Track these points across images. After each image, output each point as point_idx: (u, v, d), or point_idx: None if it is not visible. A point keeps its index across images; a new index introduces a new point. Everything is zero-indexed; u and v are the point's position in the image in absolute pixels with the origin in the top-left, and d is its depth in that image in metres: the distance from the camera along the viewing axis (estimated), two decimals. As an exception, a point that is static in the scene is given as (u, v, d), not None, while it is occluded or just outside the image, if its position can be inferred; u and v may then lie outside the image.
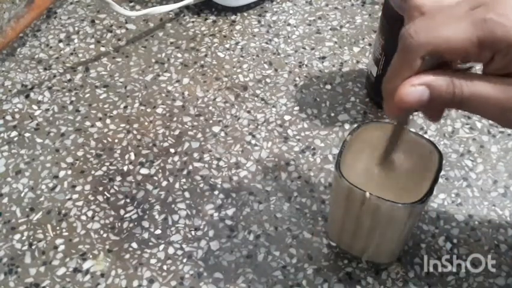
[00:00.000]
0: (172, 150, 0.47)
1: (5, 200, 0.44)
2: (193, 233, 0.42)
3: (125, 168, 0.46)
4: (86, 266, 0.40)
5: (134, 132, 0.48)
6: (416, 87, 0.28)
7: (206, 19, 0.57)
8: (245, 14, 0.58)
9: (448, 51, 0.27)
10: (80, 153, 0.47)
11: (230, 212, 0.43)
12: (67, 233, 0.42)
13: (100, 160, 0.46)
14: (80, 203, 0.43)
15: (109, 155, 0.46)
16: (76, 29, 0.57)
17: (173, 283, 0.39)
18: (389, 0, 0.41)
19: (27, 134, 0.48)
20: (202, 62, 0.53)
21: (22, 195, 0.44)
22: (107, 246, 0.41)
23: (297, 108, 0.49)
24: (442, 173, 0.34)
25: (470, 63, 0.29)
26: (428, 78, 0.28)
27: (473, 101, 0.27)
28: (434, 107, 0.29)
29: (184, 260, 0.40)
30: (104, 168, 0.46)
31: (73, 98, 0.51)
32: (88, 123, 0.49)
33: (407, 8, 0.30)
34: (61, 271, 0.40)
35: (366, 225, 0.35)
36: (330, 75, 0.52)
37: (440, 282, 0.39)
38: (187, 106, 0.50)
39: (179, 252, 0.41)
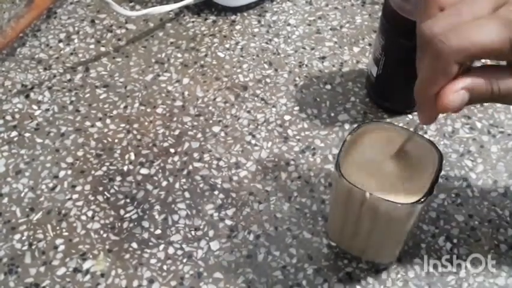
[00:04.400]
0: (172, 150, 0.47)
1: (5, 200, 0.44)
2: (193, 233, 0.42)
3: (125, 168, 0.46)
4: (86, 266, 0.40)
5: (134, 132, 0.48)
6: (458, 93, 0.28)
7: (206, 19, 0.57)
8: (245, 14, 0.58)
9: (484, 54, 0.27)
10: (80, 153, 0.47)
11: (230, 212, 0.43)
12: (67, 233, 0.42)
13: (100, 160, 0.46)
14: (80, 203, 0.43)
15: (109, 155, 0.46)
16: (76, 29, 0.57)
17: (173, 283, 0.39)
18: (389, 0, 0.42)
19: (27, 134, 0.48)
20: (202, 62, 0.53)
21: (22, 195, 0.44)
22: (107, 246, 0.41)
23: (297, 108, 0.49)
24: (442, 173, 0.34)
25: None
26: (468, 82, 0.28)
27: (509, 97, 0.28)
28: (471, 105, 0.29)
29: (184, 260, 0.40)
30: (104, 168, 0.46)
31: (73, 98, 0.51)
32: (88, 123, 0.49)
33: (424, 2, 0.29)
34: (61, 271, 0.40)
35: (366, 225, 0.35)
36: (330, 75, 0.52)
37: (440, 282, 0.39)
38: (187, 106, 0.50)
39: (179, 252, 0.41)
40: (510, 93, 0.28)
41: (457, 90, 0.28)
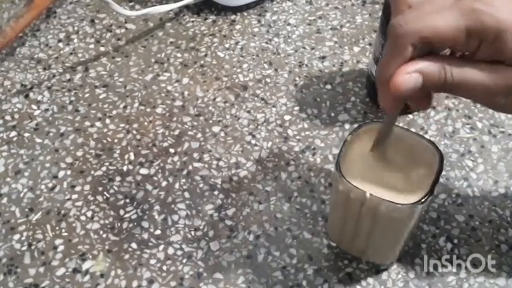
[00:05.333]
0: (171, 150, 0.47)
1: (4, 200, 0.44)
2: (192, 233, 0.42)
3: (124, 168, 0.45)
4: (85, 266, 0.40)
5: (134, 132, 0.48)
6: (410, 75, 0.28)
7: (206, 19, 0.57)
8: (245, 14, 0.58)
9: (437, 39, 0.27)
10: (79, 153, 0.47)
11: (230, 212, 0.43)
12: (66, 233, 0.42)
13: (100, 160, 0.46)
14: (79, 203, 0.43)
15: (109, 155, 0.46)
16: (76, 28, 0.57)
17: (173, 283, 0.39)
18: (389, 0, 0.41)
19: (26, 134, 0.48)
20: (202, 62, 0.53)
21: (21, 195, 0.44)
22: (106, 247, 0.41)
23: (297, 108, 0.49)
24: (443, 173, 0.34)
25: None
26: (421, 65, 0.28)
27: (462, 86, 0.28)
28: (425, 92, 0.30)
29: (184, 261, 0.40)
30: (104, 168, 0.45)
31: (73, 98, 0.51)
32: (87, 123, 0.49)
33: (394, 2, 0.31)
34: (60, 271, 0.40)
35: (367, 226, 0.35)
36: (330, 75, 0.52)
37: (441, 282, 0.39)
38: (187, 106, 0.50)
39: (179, 252, 0.41)
40: (463, 82, 0.28)
41: (409, 72, 0.28)
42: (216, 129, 0.48)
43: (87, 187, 0.44)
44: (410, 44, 0.28)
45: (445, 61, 0.28)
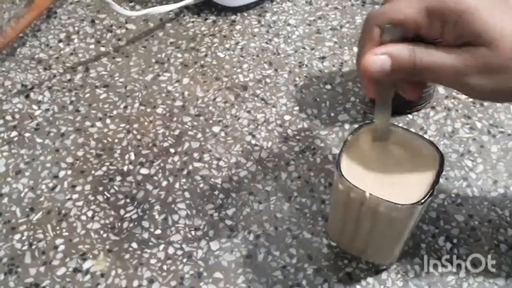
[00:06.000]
0: (172, 150, 0.47)
1: (5, 200, 0.44)
2: (193, 233, 0.42)
3: (125, 168, 0.46)
4: (86, 266, 0.40)
5: (134, 132, 0.48)
6: (378, 56, 0.29)
7: (206, 19, 0.57)
8: (245, 14, 0.58)
9: (400, 20, 0.29)
10: (80, 153, 0.47)
11: (230, 212, 0.43)
12: (67, 233, 0.42)
13: (100, 160, 0.46)
14: (80, 203, 0.43)
15: (109, 155, 0.46)
16: (76, 29, 0.57)
17: (173, 283, 0.39)
18: (389, 0, 0.42)
19: (27, 134, 0.48)
20: (202, 62, 0.53)
21: (22, 195, 0.44)
22: (107, 246, 0.41)
23: (297, 108, 0.49)
24: (442, 173, 0.34)
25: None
26: (389, 48, 0.30)
27: (432, 69, 0.29)
28: (398, 77, 0.31)
29: (184, 260, 0.40)
30: (104, 168, 0.46)
31: (73, 98, 0.51)
32: (88, 123, 0.49)
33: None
34: (61, 271, 0.40)
35: (366, 226, 0.35)
36: (330, 75, 0.52)
37: (440, 282, 0.39)
38: (187, 106, 0.50)
39: (179, 252, 0.41)
40: (432, 65, 0.29)
41: (376, 54, 0.29)
42: (216, 129, 0.48)
43: (87, 187, 0.44)
44: (376, 25, 0.29)
45: (414, 45, 0.29)
